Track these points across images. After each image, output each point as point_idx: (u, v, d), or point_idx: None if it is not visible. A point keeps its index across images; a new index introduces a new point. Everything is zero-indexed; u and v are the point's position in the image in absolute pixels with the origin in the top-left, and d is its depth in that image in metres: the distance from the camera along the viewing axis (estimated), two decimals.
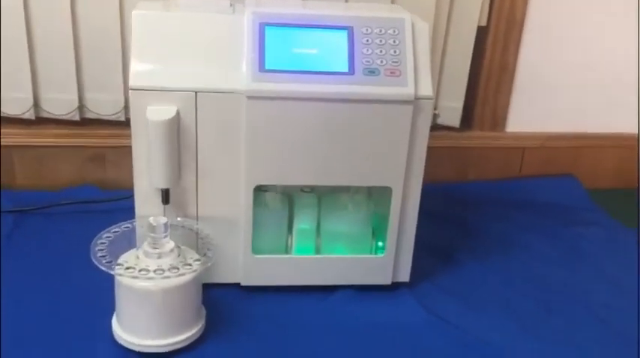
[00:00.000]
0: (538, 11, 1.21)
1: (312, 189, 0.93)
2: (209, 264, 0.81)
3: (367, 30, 0.85)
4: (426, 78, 0.85)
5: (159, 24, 0.83)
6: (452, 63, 1.22)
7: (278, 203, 0.93)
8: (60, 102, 1.14)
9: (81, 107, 1.15)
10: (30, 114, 1.13)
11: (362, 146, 0.86)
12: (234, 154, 0.85)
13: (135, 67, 0.81)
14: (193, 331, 0.82)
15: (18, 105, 1.13)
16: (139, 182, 0.85)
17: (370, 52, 0.84)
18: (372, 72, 0.83)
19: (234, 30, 0.83)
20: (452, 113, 1.25)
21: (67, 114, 1.14)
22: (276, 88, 0.82)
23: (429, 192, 1.24)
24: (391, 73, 0.84)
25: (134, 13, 0.83)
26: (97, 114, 1.15)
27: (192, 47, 0.83)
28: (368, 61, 0.84)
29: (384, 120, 0.85)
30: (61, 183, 1.18)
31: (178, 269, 0.78)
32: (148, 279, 0.77)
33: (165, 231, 0.79)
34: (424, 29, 0.87)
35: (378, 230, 0.95)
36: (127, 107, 1.14)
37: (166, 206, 0.86)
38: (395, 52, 0.84)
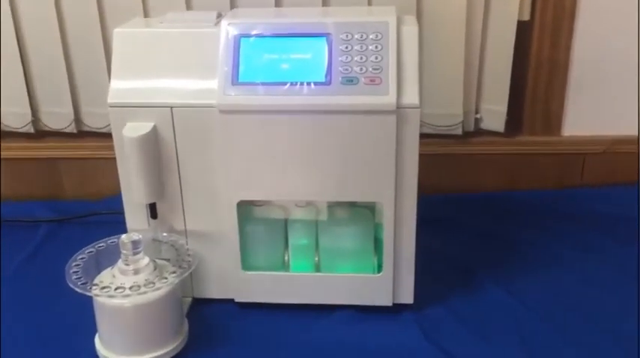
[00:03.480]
0: None
1: (308, 203, 0.89)
2: (184, 276, 0.80)
3: (347, 36, 0.79)
4: (412, 85, 0.78)
5: (139, 41, 0.83)
6: (492, 63, 1.12)
7: (272, 218, 0.90)
8: (98, 117, 1.19)
9: None
10: (71, 129, 1.19)
11: (345, 160, 0.81)
12: (216, 169, 0.83)
13: (113, 84, 0.82)
14: (171, 347, 0.81)
15: (60, 119, 1.19)
16: (127, 197, 0.86)
17: (349, 59, 0.79)
18: (350, 81, 0.78)
19: (212, 43, 0.81)
20: (496, 117, 1.15)
21: (104, 127, 1.19)
22: (248, 101, 0.79)
23: (468, 204, 1.16)
24: (371, 81, 0.78)
25: (115, 31, 0.84)
26: None
27: (170, 62, 0.82)
28: (346, 69, 0.78)
29: (365, 131, 0.79)
30: (104, 193, 1.22)
31: (154, 283, 0.78)
32: (125, 297, 0.77)
33: (137, 248, 0.79)
34: (412, 32, 0.80)
35: (380, 248, 0.89)
36: None
37: (155, 220, 0.86)
38: (376, 58, 0.78)
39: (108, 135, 1.20)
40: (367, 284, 0.88)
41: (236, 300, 0.91)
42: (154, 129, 0.81)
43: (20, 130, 1.19)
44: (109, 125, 1.17)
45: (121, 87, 0.82)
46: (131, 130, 0.80)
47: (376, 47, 0.79)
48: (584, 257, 1.01)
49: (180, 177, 0.84)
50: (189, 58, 0.82)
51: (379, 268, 0.89)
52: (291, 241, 0.90)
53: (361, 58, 0.79)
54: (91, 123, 1.20)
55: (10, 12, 1.11)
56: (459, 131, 1.15)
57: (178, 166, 0.84)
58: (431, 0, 1.07)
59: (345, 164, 0.81)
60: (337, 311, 0.89)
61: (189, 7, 1.09)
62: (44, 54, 1.14)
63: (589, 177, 1.19)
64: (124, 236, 0.79)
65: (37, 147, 1.21)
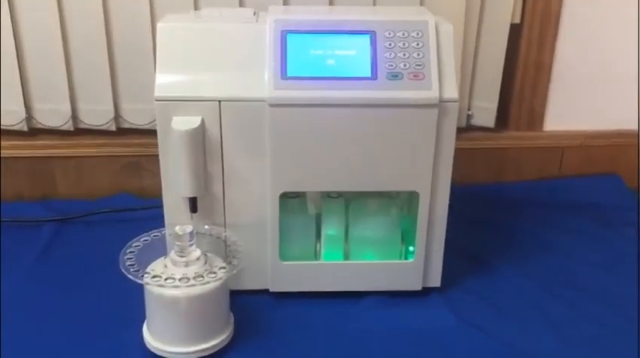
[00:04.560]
0: (574, 5, 1.17)
1: (339, 195, 0.93)
2: (234, 272, 0.82)
3: (390, 34, 0.84)
4: (450, 80, 0.84)
5: (182, 36, 0.84)
6: (485, 62, 1.19)
7: (305, 209, 0.93)
8: (96, 114, 1.17)
9: (117, 117, 1.17)
10: (69, 126, 1.17)
11: (388, 151, 0.85)
12: (260, 162, 0.85)
13: (159, 78, 0.82)
14: (221, 338, 0.82)
15: (57, 117, 1.16)
16: (167, 191, 0.86)
17: (393, 55, 0.83)
18: (395, 76, 0.83)
19: (257, 39, 0.83)
20: (486, 113, 1.23)
21: (103, 124, 1.17)
22: (298, 95, 0.82)
23: (463, 195, 1.23)
24: (414, 76, 0.83)
25: (159, 25, 0.84)
26: (133, 124, 1.18)
27: (215, 57, 0.84)
28: (391, 65, 0.83)
29: (409, 124, 0.84)
30: (100, 191, 1.20)
31: (203, 277, 0.79)
32: (174, 288, 0.78)
33: (191, 240, 0.80)
34: (448, 31, 0.85)
35: (408, 234, 0.94)
36: None
37: (195, 214, 0.87)
38: (418, 55, 0.83)
39: (105, 133, 1.19)
40: (398, 271, 0.93)
41: (271, 290, 0.93)
42: (202, 123, 0.82)
43: (14, 128, 1.15)
44: (107, 123, 1.17)
45: (167, 81, 0.82)
46: (180, 124, 0.81)
47: (417, 44, 0.84)
48: (570, 239, 1.11)
49: (223, 171, 0.86)
50: (234, 53, 0.84)
51: (406, 255, 0.94)
52: (323, 231, 0.93)
53: (404, 55, 0.83)
54: (90, 120, 1.17)
55: (7, 6, 1.07)
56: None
57: (222, 159, 0.85)
58: (432, 1, 1.13)
59: (386, 155, 0.85)
60: (368, 297, 0.93)
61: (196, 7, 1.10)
62: (41, 49, 1.12)
63: (567, 168, 1.29)
64: (177, 227, 0.80)
65: (31, 145, 1.17)
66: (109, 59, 1.12)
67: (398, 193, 0.95)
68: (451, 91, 0.84)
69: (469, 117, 1.24)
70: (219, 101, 0.82)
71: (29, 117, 1.16)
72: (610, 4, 1.18)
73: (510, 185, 1.27)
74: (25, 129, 1.16)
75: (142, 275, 0.78)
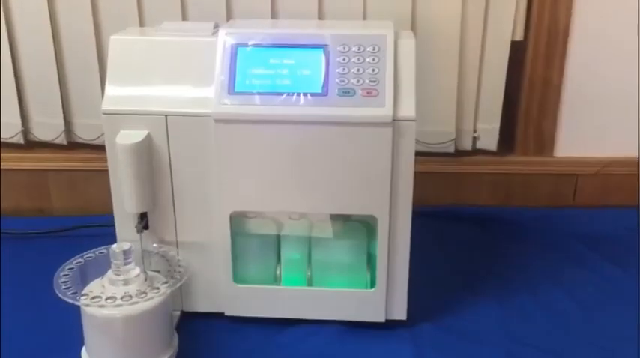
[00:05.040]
0: (584, 19, 1.08)
1: (301, 215, 0.88)
2: (177, 286, 0.79)
3: (344, 48, 0.79)
4: (408, 98, 0.78)
5: (134, 49, 0.83)
6: (487, 82, 1.12)
7: (264, 230, 0.89)
8: (90, 128, 1.18)
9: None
10: (61, 140, 1.18)
11: (341, 171, 0.80)
12: (209, 179, 0.82)
13: (108, 91, 0.81)
14: None
15: (50, 130, 1.18)
16: (118, 206, 0.85)
17: (346, 71, 0.79)
18: (346, 92, 0.78)
19: (208, 52, 0.81)
20: (489, 135, 1.15)
21: (95, 139, 1.18)
22: (244, 110, 0.78)
23: (462, 217, 1.16)
24: (368, 93, 0.78)
25: (112, 38, 0.83)
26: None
27: (166, 71, 0.82)
28: (343, 81, 0.78)
29: (361, 143, 0.79)
30: (92, 207, 1.20)
31: (146, 293, 0.77)
32: (116, 307, 0.76)
33: (128, 258, 0.77)
34: (409, 45, 0.80)
35: (373, 262, 0.88)
36: None
37: (146, 231, 0.85)
38: (373, 70, 0.78)
39: (99, 147, 1.19)
40: (360, 300, 0.87)
41: (226, 314, 0.89)
42: (148, 137, 0.80)
43: (10, 141, 1.18)
44: (101, 136, 1.18)
45: (116, 94, 0.81)
46: (125, 138, 0.79)
47: (373, 59, 0.79)
48: (574, 275, 1.01)
49: (172, 187, 0.83)
50: (186, 67, 0.82)
51: (372, 283, 0.88)
52: (283, 254, 0.89)
53: (358, 70, 0.79)
54: (83, 134, 1.18)
55: (4, 21, 1.10)
56: (452, 149, 1.15)
57: (171, 175, 0.83)
58: (425, 16, 1.07)
59: (340, 176, 0.80)
60: (329, 326, 0.88)
61: (185, 17, 1.08)
62: (36, 63, 1.14)
63: (581, 198, 1.19)
64: (114, 245, 0.78)
65: (27, 158, 1.20)
66: (99, 71, 1.13)
67: (364, 216, 0.89)
68: (408, 109, 0.78)
69: (475, 139, 1.17)
70: (166, 115, 0.80)
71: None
72: (624, 17, 1.08)
73: (516, 211, 1.18)
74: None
75: (79, 298, 0.76)
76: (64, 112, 1.16)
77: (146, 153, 0.81)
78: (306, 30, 0.82)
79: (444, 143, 1.15)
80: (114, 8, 1.09)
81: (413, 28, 1.07)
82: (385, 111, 0.77)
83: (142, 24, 1.08)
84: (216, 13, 1.05)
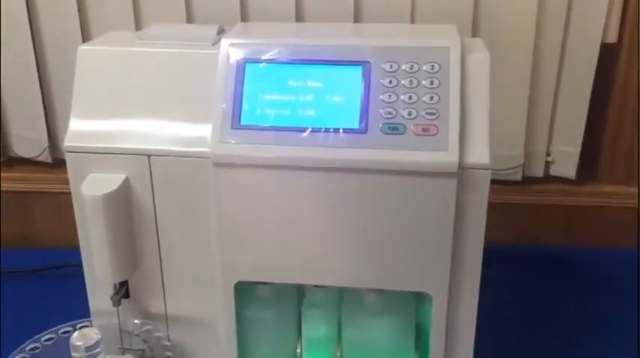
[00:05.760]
0: None
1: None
2: None
3: (392, 66, 0.57)
4: (480, 137, 0.56)
5: (108, 64, 0.62)
6: (567, 93, 0.89)
7: (280, 301, 0.68)
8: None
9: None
10: (45, 157, 0.99)
11: (383, 235, 0.59)
12: (207, 238, 0.62)
13: (73, 122, 0.61)
14: None
15: (33, 146, 0.99)
16: (89, 271, 0.65)
17: (394, 99, 0.57)
18: (394, 129, 0.56)
19: (207, 70, 0.60)
20: (566, 160, 0.93)
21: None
22: (253, 151, 0.57)
23: (531, 258, 0.95)
24: (423, 130, 0.56)
25: (79, 49, 0.63)
26: None
27: (148, 95, 0.61)
28: (389, 113, 0.57)
29: (413, 198, 0.57)
30: None
31: None
32: None
33: (92, 351, 0.58)
34: (482, 62, 0.58)
35: (426, 341, 0.67)
36: None
37: (126, 300, 0.65)
38: (431, 99, 0.56)
39: None
40: None
41: None
42: (126, 184, 0.60)
43: None
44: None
45: (83, 127, 0.61)
46: (94, 185, 0.59)
47: (431, 83, 0.57)
48: None
49: (159, 246, 0.63)
50: (176, 90, 0.61)
51: None
52: (305, 331, 0.68)
53: (410, 98, 0.57)
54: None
55: None
56: (519, 176, 0.93)
57: (157, 232, 0.62)
58: (490, 16, 0.84)
59: (382, 241, 0.59)
60: None
61: (190, 19, 0.87)
62: (17, 70, 0.94)
63: None
64: (75, 335, 0.58)
65: (7, 177, 1.01)
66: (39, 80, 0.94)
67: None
68: (480, 153, 0.56)
69: (548, 164, 0.94)
70: (149, 155, 0.60)
71: None
72: None
73: (597, 253, 0.96)
74: None
75: None
76: (47, 126, 0.97)
77: (123, 205, 0.60)
78: (338, 39, 0.60)
79: (509, 169, 0.92)
80: (104, 7, 0.88)
81: (474, 27, 0.85)
82: (448, 156, 0.55)
83: (138, 28, 0.87)
84: (229, 13, 0.83)
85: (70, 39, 0.90)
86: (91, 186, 0.59)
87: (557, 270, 0.94)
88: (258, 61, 0.59)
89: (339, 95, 0.58)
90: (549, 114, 0.90)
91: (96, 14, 0.89)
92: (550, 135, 0.91)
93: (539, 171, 0.94)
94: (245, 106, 0.58)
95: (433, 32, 0.67)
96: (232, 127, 0.58)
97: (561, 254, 0.96)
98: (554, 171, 0.94)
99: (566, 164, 0.93)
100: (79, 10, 0.89)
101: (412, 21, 0.84)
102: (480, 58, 0.58)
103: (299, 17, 0.84)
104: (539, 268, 0.94)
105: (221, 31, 0.65)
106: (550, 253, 0.96)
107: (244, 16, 0.85)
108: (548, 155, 0.93)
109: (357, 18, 0.84)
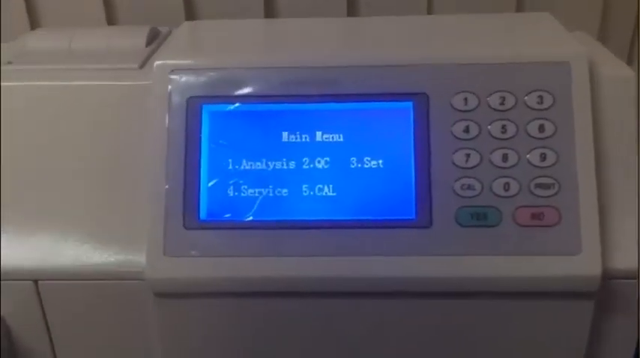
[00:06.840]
0: None
1: None
2: None
3: (465, 101, 0.32)
4: (625, 223, 0.32)
5: None
6: None
7: None
8: None
9: None
10: None
11: None
12: None
13: None
14: None
15: None
16: None
17: (476, 160, 0.32)
18: (481, 216, 0.31)
19: (129, 118, 0.34)
20: None
21: None
22: (222, 271, 0.32)
23: None
24: (533, 217, 0.31)
25: None
26: None
27: (31, 170, 0.34)
28: (470, 187, 0.31)
29: (522, 330, 0.33)
30: None
31: None
32: None
33: None
34: (626, 88, 0.33)
35: None
36: None
37: None
38: (543, 157, 0.31)
39: None
40: None
41: None
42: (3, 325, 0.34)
43: None
44: None
45: None
46: None
47: (541, 128, 0.32)
48: None
49: None
50: (76, 160, 0.34)
51: None
52: None
53: (505, 158, 0.32)
54: None
55: None
56: None
57: None
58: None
59: None
60: None
61: (111, 18, 0.55)
62: None
63: None
64: None
65: None
66: None
67: None
68: (624, 253, 0.32)
69: None
70: (36, 280, 0.33)
71: None
72: None
73: None
74: None
75: None
76: None
77: None
78: (361, 52, 0.34)
79: None
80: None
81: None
82: (582, 263, 0.30)
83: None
84: (166, 5, 0.52)
85: None
86: None
87: None
88: (224, 101, 0.33)
89: (375, 157, 0.32)
90: None
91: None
92: None
93: None
94: (206, 184, 0.32)
95: (522, 30, 0.40)
96: (186, 227, 0.32)
97: None
98: None
99: None
100: None
101: (429, 12, 0.55)
102: (622, 79, 0.33)
103: (268, 11, 0.54)
104: None
105: (154, 38, 0.39)
106: None
107: (190, 12, 0.55)
108: None
109: (352, 11, 0.53)
